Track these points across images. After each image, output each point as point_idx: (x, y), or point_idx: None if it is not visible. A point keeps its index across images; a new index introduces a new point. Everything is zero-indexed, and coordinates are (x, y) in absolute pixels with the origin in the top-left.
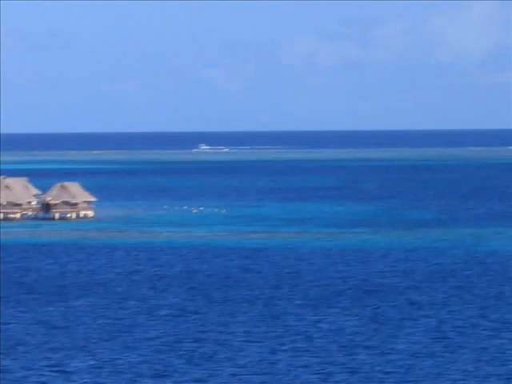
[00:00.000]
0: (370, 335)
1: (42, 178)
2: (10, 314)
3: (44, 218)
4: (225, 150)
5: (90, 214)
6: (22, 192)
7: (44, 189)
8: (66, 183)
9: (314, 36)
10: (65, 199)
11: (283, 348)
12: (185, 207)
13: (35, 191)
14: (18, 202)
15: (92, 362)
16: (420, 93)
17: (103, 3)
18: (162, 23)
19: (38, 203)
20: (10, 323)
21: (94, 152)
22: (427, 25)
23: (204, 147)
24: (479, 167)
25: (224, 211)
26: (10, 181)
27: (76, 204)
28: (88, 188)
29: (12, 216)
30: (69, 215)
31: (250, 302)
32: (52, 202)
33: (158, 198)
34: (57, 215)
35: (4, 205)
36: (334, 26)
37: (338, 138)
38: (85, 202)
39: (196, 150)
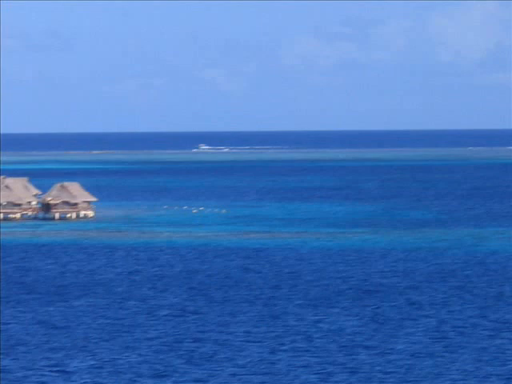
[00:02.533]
0: (370, 335)
1: (41, 178)
2: (10, 313)
3: (44, 218)
4: (225, 150)
5: (90, 214)
6: (22, 192)
7: (44, 189)
8: (66, 183)
9: (314, 36)
10: (65, 199)
11: (283, 348)
12: (185, 207)
13: (35, 191)
14: (18, 202)
15: (92, 362)
16: (420, 93)
17: (103, 3)
18: (162, 23)
19: (37, 203)
20: (9, 323)
21: (93, 152)
22: (427, 25)
23: (204, 147)
24: (479, 167)
25: (224, 211)
26: (10, 181)
27: (76, 204)
28: (88, 188)
29: (12, 216)
30: (69, 215)
31: (250, 301)
32: (52, 201)
33: (157, 198)
34: (57, 215)
35: (4, 205)
36: (334, 26)
37: (338, 138)
38: (85, 201)
39: (196, 150)
